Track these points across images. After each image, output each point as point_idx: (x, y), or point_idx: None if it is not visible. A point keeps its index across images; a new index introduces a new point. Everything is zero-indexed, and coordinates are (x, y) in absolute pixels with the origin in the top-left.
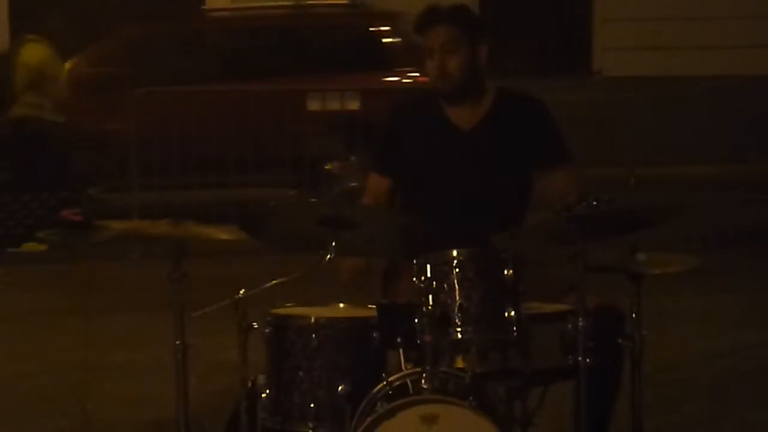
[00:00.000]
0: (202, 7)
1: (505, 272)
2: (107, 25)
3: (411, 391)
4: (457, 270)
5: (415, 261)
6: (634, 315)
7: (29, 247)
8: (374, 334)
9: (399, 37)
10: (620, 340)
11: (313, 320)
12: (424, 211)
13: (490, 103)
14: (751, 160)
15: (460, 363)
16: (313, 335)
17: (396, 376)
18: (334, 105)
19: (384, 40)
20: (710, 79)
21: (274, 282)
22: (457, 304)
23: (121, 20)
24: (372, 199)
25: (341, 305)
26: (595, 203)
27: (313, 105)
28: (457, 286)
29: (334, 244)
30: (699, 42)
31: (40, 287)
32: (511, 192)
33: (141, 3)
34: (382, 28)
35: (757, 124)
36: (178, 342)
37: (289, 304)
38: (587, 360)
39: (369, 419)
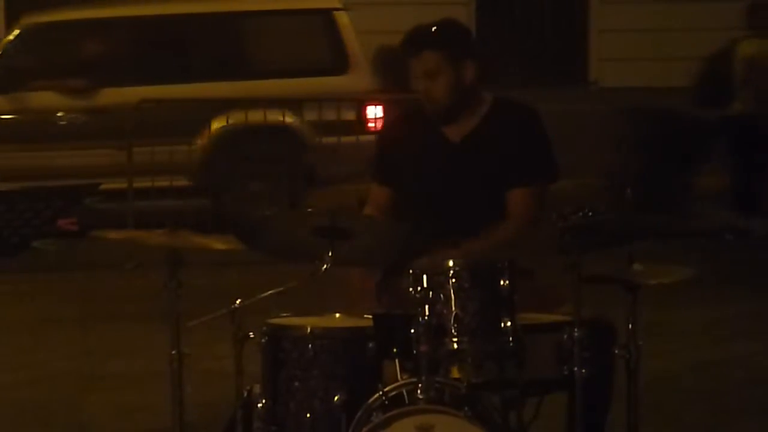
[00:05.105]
0: None
1: (501, 282)
2: None
3: (407, 402)
4: (453, 280)
5: (411, 271)
6: (630, 325)
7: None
8: (370, 344)
9: None
10: (616, 351)
11: (309, 330)
12: (414, 221)
13: (482, 114)
14: None
15: (455, 373)
16: (309, 345)
17: (392, 386)
18: None
19: None
20: None
21: (270, 292)
22: (453, 314)
23: None
24: (374, 208)
25: (337, 315)
26: (590, 214)
27: None
28: (453, 297)
29: (329, 254)
30: (696, 53)
31: (35, 297)
32: (497, 203)
33: None
34: None
35: None
36: (173, 351)
37: (285, 314)
38: (583, 370)
39: (364, 429)
